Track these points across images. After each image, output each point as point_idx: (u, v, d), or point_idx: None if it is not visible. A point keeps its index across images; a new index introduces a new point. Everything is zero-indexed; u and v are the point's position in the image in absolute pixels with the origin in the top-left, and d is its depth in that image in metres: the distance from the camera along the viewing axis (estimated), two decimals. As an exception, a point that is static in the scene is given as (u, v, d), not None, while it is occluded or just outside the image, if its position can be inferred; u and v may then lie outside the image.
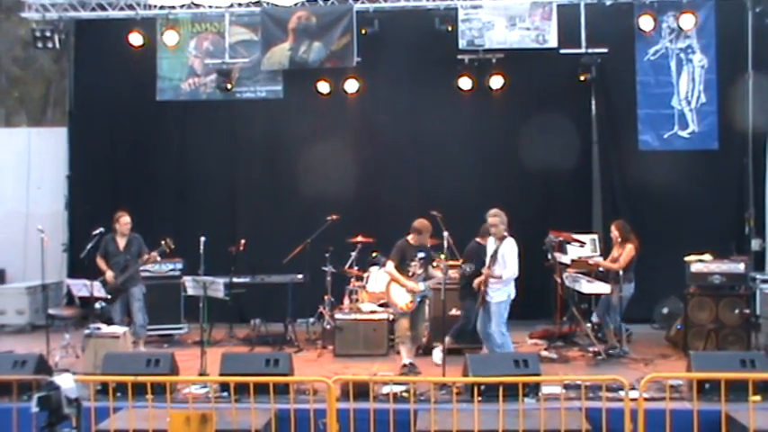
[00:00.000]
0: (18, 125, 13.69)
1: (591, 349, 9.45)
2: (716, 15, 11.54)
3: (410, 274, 8.80)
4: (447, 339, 9.14)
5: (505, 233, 8.42)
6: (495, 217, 8.42)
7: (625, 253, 9.43)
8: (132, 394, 6.37)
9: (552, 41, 11.24)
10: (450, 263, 9.02)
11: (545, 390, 7.20)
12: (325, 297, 10.54)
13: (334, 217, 10.61)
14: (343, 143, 12.11)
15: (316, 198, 11.70)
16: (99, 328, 8.86)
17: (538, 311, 11.13)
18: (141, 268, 9.99)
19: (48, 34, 11.80)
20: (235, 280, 10.31)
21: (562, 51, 11.29)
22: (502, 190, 11.58)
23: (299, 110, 12.25)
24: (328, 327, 10.19)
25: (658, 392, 7.14)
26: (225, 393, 7.15)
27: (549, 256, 9.90)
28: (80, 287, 9.53)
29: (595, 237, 11.09)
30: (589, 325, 9.97)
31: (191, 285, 9.10)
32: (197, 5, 11.91)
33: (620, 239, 9.60)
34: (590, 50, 11.27)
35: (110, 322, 9.42)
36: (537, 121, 11.74)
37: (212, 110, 12.45)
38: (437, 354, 9.07)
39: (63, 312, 11.24)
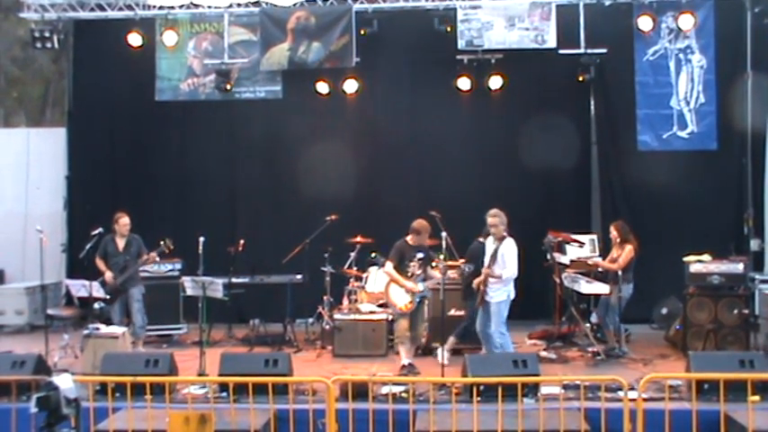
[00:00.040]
0: (17, 125, 13.71)
1: (590, 349, 9.45)
2: (715, 16, 11.55)
3: (409, 274, 8.81)
4: (452, 339, 9.16)
5: (505, 233, 8.42)
6: (495, 217, 8.41)
7: (624, 254, 9.42)
8: (131, 394, 6.36)
9: (551, 42, 11.25)
10: (450, 263, 9.02)
11: (544, 390, 7.21)
12: (325, 297, 10.53)
13: (334, 217, 10.61)
14: (342, 143, 12.11)
15: (315, 198, 11.70)
16: (98, 329, 8.85)
17: (537, 312, 11.13)
18: (140, 269, 9.98)
19: (47, 34, 11.81)
20: (234, 280, 10.30)
21: (561, 52, 11.30)
22: (501, 190, 11.57)
23: (298, 110, 12.24)
24: (327, 327, 10.19)
25: (657, 393, 7.13)
26: (224, 393, 7.15)
27: (548, 257, 9.91)
28: (79, 287, 9.53)
29: (594, 237, 11.09)
30: (588, 325, 9.98)
31: (190, 286, 9.09)
32: (196, 6, 11.91)
33: (619, 240, 9.60)
34: (589, 51, 11.28)
35: (109, 322, 9.42)
36: (536, 121, 11.74)
37: (211, 110, 12.45)
38: (442, 353, 9.05)
39: (62, 313, 11.23)
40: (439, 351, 8.95)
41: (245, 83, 12.30)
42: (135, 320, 9.73)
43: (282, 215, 12.20)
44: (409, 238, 8.88)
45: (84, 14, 11.98)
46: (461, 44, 11.40)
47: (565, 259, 10.14)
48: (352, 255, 10.81)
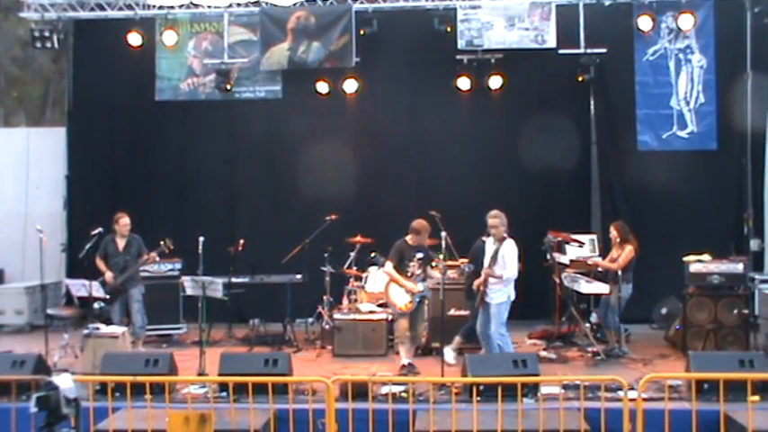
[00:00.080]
0: (17, 125, 13.71)
1: (590, 349, 9.46)
2: (715, 15, 11.55)
3: (409, 274, 8.80)
4: (458, 339, 9.15)
5: (505, 234, 8.41)
6: (496, 218, 8.40)
7: (624, 254, 9.42)
8: (131, 394, 6.36)
9: (551, 42, 11.24)
10: (450, 263, 9.02)
11: (544, 390, 7.22)
12: (324, 297, 10.53)
13: (333, 217, 10.62)
14: (341, 143, 12.11)
15: (315, 198, 11.70)
16: (98, 328, 8.85)
17: (537, 312, 11.12)
18: (140, 268, 9.98)
19: (46, 34, 11.81)
20: (234, 280, 10.29)
21: (561, 52, 11.30)
22: (501, 190, 11.59)
23: (297, 110, 12.24)
24: (327, 327, 10.19)
25: (657, 392, 7.13)
26: (224, 393, 7.15)
27: (548, 257, 9.91)
28: (79, 287, 9.53)
29: (594, 237, 11.09)
30: (588, 325, 9.98)
31: (189, 285, 9.09)
32: (196, 5, 11.90)
33: (619, 240, 9.60)
34: (589, 51, 11.28)
35: (108, 322, 9.42)
36: (536, 121, 11.73)
37: (211, 110, 12.44)
38: (449, 353, 9.06)
39: (62, 312, 11.23)
40: (446, 351, 8.96)
41: (245, 83, 12.30)
42: (135, 321, 9.73)
43: (282, 215, 12.20)
44: (409, 238, 8.88)
45: (84, 14, 11.98)
46: (461, 44, 11.40)
47: (565, 259, 10.14)
48: (352, 255, 10.81)
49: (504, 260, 8.34)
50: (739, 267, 9.55)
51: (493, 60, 11.61)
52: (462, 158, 12.11)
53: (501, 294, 8.37)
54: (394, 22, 11.75)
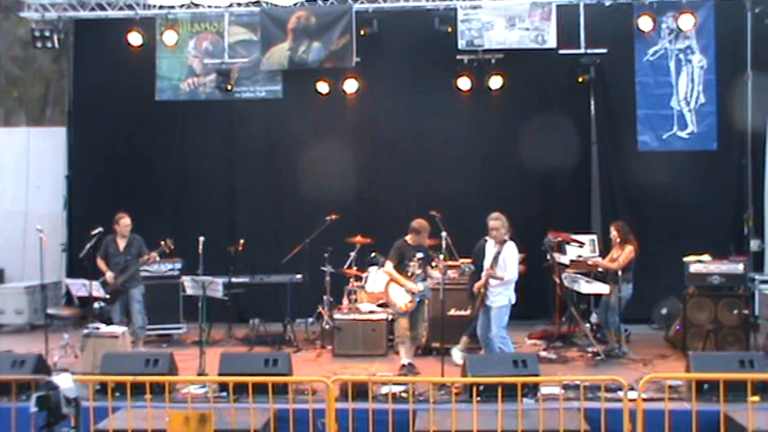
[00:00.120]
0: (17, 125, 13.66)
1: (590, 350, 9.45)
2: (715, 16, 11.55)
3: (409, 274, 8.80)
4: (465, 339, 9.14)
5: (506, 237, 8.40)
6: (497, 221, 8.38)
7: (624, 253, 9.42)
8: (131, 394, 6.36)
9: (551, 42, 11.25)
10: (450, 263, 9.02)
11: (544, 390, 7.22)
12: (324, 297, 10.53)
13: (334, 217, 10.61)
14: (342, 143, 12.11)
15: (315, 198, 11.70)
16: (98, 328, 8.85)
17: (537, 312, 11.13)
18: (141, 268, 9.98)
19: (47, 34, 11.83)
20: (234, 280, 10.31)
21: (561, 52, 11.30)
22: (501, 190, 11.60)
23: (298, 110, 12.25)
24: (327, 327, 10.19)
25: (657, 393, 7.14)
26: (224, 393, 7.15)
27: (548, 257, 9.91)
28: (79, 287, 9.53)
29: (594, 237, 11.09)
30: (588, 325, 9.98)
31: (190, 285, 9.09)
32: (196, 5, 11.91)
33: (619, 240, 9.59)
34: (589, 51, 11.28)
35: (109, 322, 9.41)
36: (536, 121, 11.75)
37: (211, 110, 12.45)
38: (456, 354, 9.05)
39: (62, 312, 11.21)
40: (453, 352, 8.95)
41: (245, 83, 12.31)
42: (135, 321, 9.73)
43: (282, 215, 12.22)
44: (408, 238, 8.87)
45: (84, 14, 11.98)
46: (462, 44, 11.40)
47: (565, 259, 10.14)
48: (352, 255, 10.81)
49: (504, 263, 8.33)
50: (739, 267, 9.54)
51: (493, 60, 11.60)
52: (462, 158, 12.12)
53: (502, 297, 8.35)
54: (394, 22, 11.76)
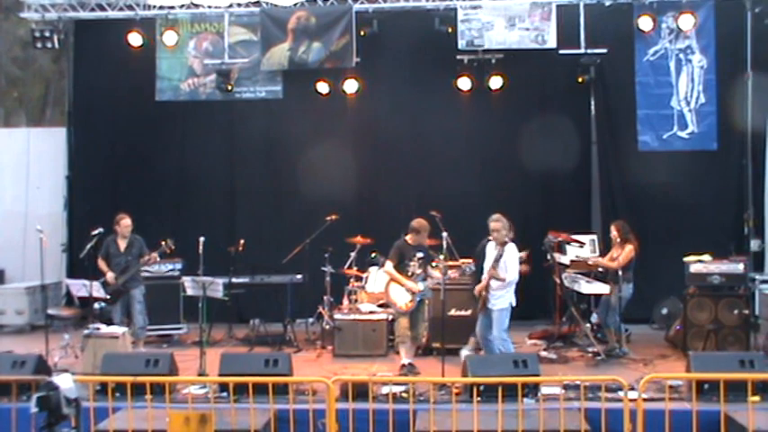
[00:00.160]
0: (17, 125, 13.68)
1: (590, 350, 9.46)
2: (715, 16, 11.55)
3: (409, 273, 8.80)
4: (473, 339, 9.13)
5: (506, 239, 8.39)
6: (498, 222, 8.37)
7: (624, 253, 9.42)
8: (131, 394, 6.36)
9: (551, 42, 11.25)
10: (450, 263, 9.02)
11: (544, 390, 7.21)
12: (325, 297, 10.53)
13: (334, 217, 10.62)
14: (342, 143, 12.11)
15: (315, 198, 11.70)
16: (98, 329, 8.85)
17: (537, 312, 11.13)
18: (141, 269, 9.98)
19: (47, 34, 11.83)
20: (234, 280, 10.31)
21: (561, 52, 11.30)
22: (501, 190, 11.61)
23: (298, 110, 12.25)
24: (327, 327, 10.19)
25: (657, 393, 7.15)
26: (224, 393, 7.15)
27: (549, 257, 9.90)
28: (79, 287, 9.53)
29: (594, 237, 11.09)
30: (588, 325, 9.98)
31: (190, 285, 9.10)
32: (196, 6, 11.91)
33: (619, 240, 9.60)
34: (589, 51, 11.28)
35: (109, 323, 9.41)
36: (536, 121, 11.75)
37: (211, 110, 12.45)
38: (465, 353, 9.03)
39: (62, 313, 11.22)
40: (462, 352, 8.93)
41: (245, 83, 12.31)
42: (136, 321, 9.72)
43: (283, 215, 12.21)
44: (408, 238, 8.87)
45: (84, 14, 11.98)
46: (462, 44, 11.40)
47: (565, 259, 10.14)
48: (352, 255, 10.80)
49: (505, 264, 8.32)
50: (740, 267, 9.55)
51: (493, 60, 11.60)
52: (462, 158, 12.12)
53: (503, 300, 8.34)
54: (394, 22, 11.76)
